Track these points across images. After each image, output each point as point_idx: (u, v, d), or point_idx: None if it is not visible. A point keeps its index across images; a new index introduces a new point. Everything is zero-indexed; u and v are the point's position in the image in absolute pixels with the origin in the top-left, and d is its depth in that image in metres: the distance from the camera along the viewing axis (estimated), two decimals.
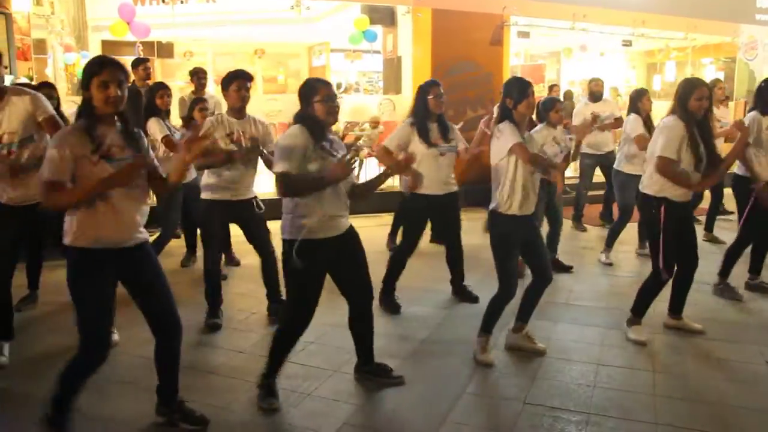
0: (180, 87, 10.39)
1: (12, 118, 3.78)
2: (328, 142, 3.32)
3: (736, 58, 13.08)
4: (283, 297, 4.63)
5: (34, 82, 7.43)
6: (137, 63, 7.12)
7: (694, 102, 4.08)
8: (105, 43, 11.46)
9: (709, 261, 6.22)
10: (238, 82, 4.35)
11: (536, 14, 10.41)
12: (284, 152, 3.21)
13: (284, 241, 3.32)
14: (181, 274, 5.80)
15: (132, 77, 6.80)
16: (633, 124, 6.18)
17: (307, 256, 3.24)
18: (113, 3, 9.49)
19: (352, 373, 3.71)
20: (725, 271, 5.34)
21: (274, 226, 4.42)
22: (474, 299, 5.16)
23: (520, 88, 3.80)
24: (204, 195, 4.48)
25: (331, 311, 3.93)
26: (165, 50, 12.71)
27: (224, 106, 6.98)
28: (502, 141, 3.80)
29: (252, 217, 4.50)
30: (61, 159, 2.70)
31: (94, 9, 10.04)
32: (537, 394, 3.58)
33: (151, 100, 5.46)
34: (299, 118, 3.33)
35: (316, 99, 3.29)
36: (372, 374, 3.70)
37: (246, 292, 4.94)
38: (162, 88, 5.58)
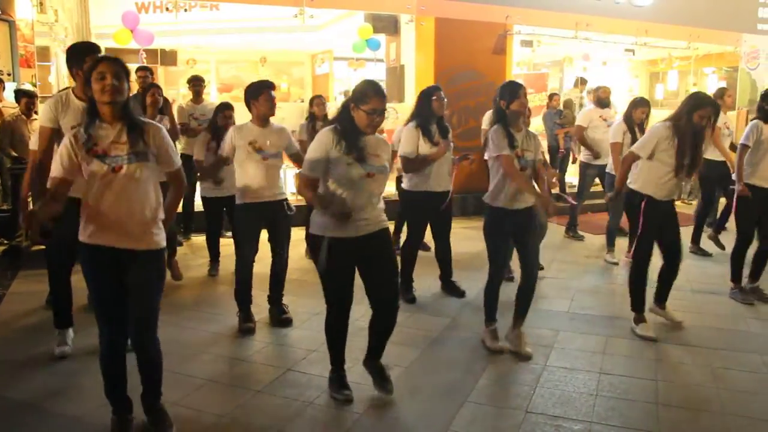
0: (183, 95, 10.41)
1: None
2: (357, 150, 3.29)
3: (738, 67, 13.07)
4: (284, 304, 4.87)
5: (36, 90, 7.47)
6: (138, 71, 7.15)
7: (698, 117, 4.36)
8: (108, 51, 11.49)
9: (713, 270, 6.23)
10: (267, 92, 4.51)
11: (539, 23, 10.42)
12: (308, 155, 3.37)
13: (310, 235, 3.44)
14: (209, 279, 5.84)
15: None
16: (614, 131, 6.47)
17: (327, 251, 3.36)
18: (117, 11, 9.52)
19: (354, 382, 3.69)
20: (735, 276, 5.50)
21: (299, 234, 4.50)
22: (461, 293, 5.47)
23: (511, 89, 4.14)
24: (238, 200, 4.63)
25: None
26: (168, 58, 12.76)
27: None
28: (491, 145, 4.12)
29: (280, 218, 4.67)
30: (59, 156, 2.88)
31: (97, 17, 10.05)
32: (539, 402, 3.57)
33: (142, 101, 5.53)
34: (339, 117, 3.38)
35: (363, 107, 3.26)
36: (370, 371, 3.69)
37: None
38: (153, 87, 5.69)
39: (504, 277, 4.39)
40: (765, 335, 4.66)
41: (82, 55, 3.80)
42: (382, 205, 3.51)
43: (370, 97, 3.26)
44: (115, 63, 2.88)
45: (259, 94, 4.49)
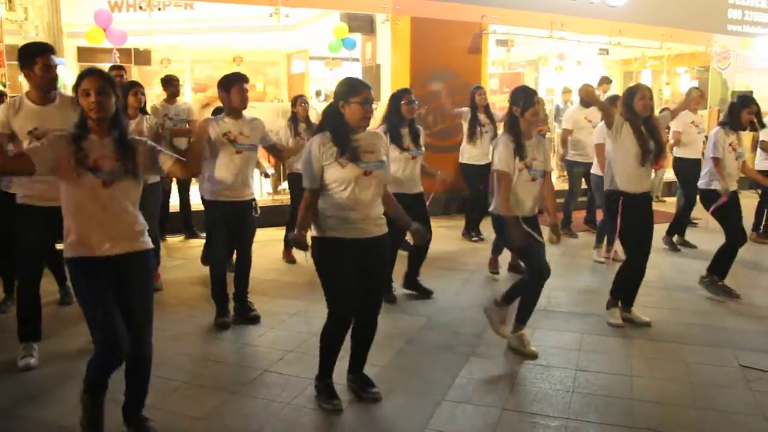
0: (157, 95, 10.31)
1: None
2: (351, 150, 3.25)
3: (709, 67, 13.26)
4: (250, 301, 4.85)
5: (7, 90, 7.34)
6: (111, 70, 7.05)
7: (638, 102, 4.46)
8: (81, 50, 11.33)
9: (687, 266, 6.31)
10: (239, 84, 4.54)
11: (514, 23, 10.47)
12: (303, 167, 3.34)
13: (312, 238, 3.41)
14: (192, 274, 5.76)
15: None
16: (597, 133, 6.48)
17: (326, 252, 3.33)
18: (89, 9, 9.40)
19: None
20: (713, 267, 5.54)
21: (266, 234, 4.50)
22: (428, 293, 5.41)
23: (526, 96, 4.04)
24: (207, 197, 4.66)
25: (310, 320, 3.94)
26: (142, 57, 12.61)
27: (196, 113, 7.01)
28: (496, 156, 4.10)
29: (246, 218, 4.69)
30: (42, 147, 2.81)
31: (69, 15, 9.92)
32: (516, 400, 3.59)
33: (124, 98, 5.43)
34: (327, 121, 3.34)
35: (356, 100, 3.24)
36: (353, 383, 3.65)
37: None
38: (135, 86, 5.59)
39: (545, 278, 4.17)
40: (737, 330, 4.73)
41: (32, 56, 3.78)
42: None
43: (360, 89, 3.27)
44: (100, 77, 2.83)
45: (231, 87, 4.54)
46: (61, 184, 2.86)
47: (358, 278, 3.39)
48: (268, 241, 4.85)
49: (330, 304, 3.40)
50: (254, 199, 4.75)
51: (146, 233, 3.03)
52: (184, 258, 6.71)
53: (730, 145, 5.38)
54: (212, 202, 4.63)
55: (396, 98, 5.14)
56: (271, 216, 7.26)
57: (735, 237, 5.39)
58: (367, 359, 3.72)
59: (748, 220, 7.31)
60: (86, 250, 2.87)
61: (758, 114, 5.51)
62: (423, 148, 5.23)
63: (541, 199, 4.27)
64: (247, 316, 4.77)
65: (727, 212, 5.40)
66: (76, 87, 2.85)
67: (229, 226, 4.69)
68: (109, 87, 2.84)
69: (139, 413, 3.13)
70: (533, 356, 4.14)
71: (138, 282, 2.98)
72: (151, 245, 3.05)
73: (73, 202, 2.86)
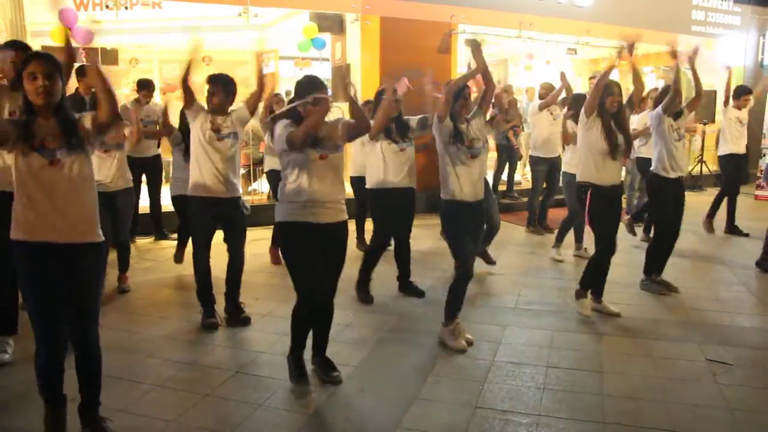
0: (125, 95, 10.18)
1: None
2: (312, 139, 3.43)
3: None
4: (241, 302, 4.81)
5: None
6: (80, 71, 6.94)
7: (608, 99, 4.77)
8: (46, 49, 11.13)
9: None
10: (211, 86, 4.63)
11: (483, 22, 10.53)
12: (278, 136, 3.48)
13: (276, 223, 3.61)
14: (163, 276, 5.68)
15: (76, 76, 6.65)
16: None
17: (289, 237, 3.52)
18: (54, 7, 9.22)
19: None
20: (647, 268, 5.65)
21: (257, 234, 4.48)
22: (420, 293, 5.46)
23: (457, 90, 4.32)
24: (191, 193, 4.62)
25: (282, 321, 3.90)
26: (109, 57, 12.41)
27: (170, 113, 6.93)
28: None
29: (236, 216, 4.68)
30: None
31: (33, 13, 9.73)
32: (488, 398, 3.62)
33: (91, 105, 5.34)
34: (289, 113, 3.47)
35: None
36: (317, 366, 3.79)
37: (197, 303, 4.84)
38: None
39: (473, 274, 4.33)
40: (701, 324, 4.82)
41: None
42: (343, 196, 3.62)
43: (319, 88, 3.47)
44: (47, 61, 2.79)
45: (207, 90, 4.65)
46: (14, 165, 2.81)
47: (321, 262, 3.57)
48: (240, 239, 4.81)
49: (298, 288, 3.55)
50: (240, 197, 4.72)
51: (98, 225, 2.97)
52: (154, 260, 6.63)
53: (670, 126, 5.61)
54: (194, 197, 4.59)
55: (377, 95, 5.33)
56: (268, 214, 7.17)
57: (662, 232, 5.59)
58: (340, 359, 3.73)
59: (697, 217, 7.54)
60: (32, 233, 2.81)
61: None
62: (411, 140, 5.31)
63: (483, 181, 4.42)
64: (238, 318, 4.74)
65: (659, 203, 5.60)
66: (21, 70, 2.79)
67: (211, 223, 4.66)
68: (57, 72, 2.80)
69: (95, 414, 3.06)
70: (461, 350, 4.24)
71: (85, 276, 2.91)
72: (102, 238, 2.98)
73: (22, 182, 2.81)
